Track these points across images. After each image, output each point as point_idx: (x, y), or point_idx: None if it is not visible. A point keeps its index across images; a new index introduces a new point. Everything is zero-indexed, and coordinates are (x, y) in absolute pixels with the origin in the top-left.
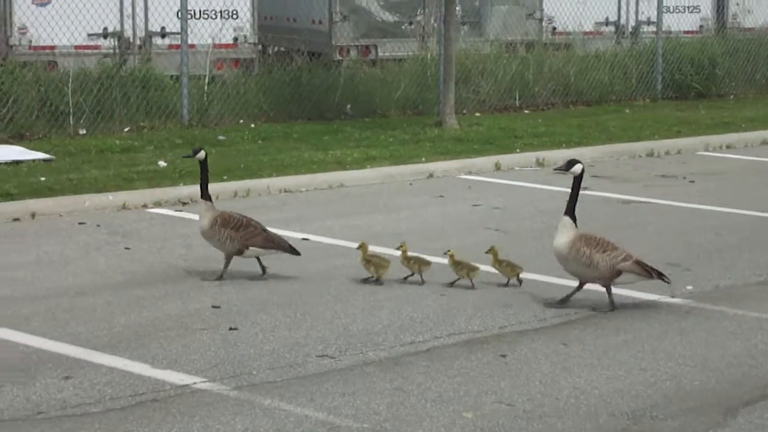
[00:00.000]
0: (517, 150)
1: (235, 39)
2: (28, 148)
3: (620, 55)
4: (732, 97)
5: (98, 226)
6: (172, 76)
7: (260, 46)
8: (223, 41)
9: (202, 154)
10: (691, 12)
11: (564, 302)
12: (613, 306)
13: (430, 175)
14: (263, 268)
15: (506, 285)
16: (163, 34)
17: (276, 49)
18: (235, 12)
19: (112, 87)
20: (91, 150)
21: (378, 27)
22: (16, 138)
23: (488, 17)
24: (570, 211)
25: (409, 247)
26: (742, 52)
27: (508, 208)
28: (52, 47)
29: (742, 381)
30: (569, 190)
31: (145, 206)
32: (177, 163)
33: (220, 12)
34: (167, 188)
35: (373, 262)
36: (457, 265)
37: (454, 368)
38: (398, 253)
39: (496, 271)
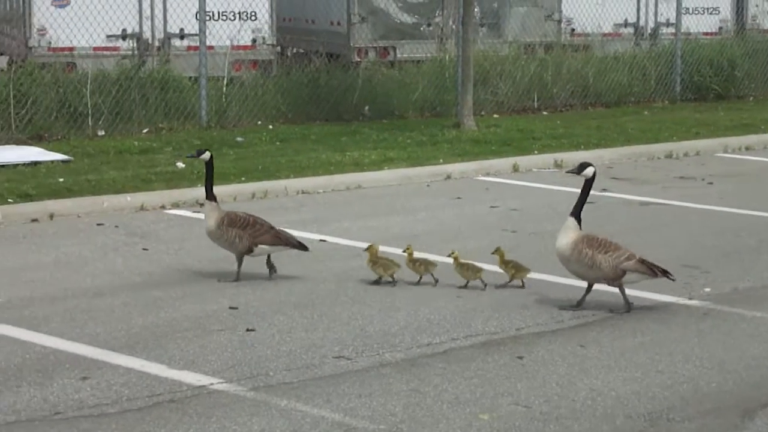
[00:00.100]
0: (535, 151)
1: (254, 40)
2: (46, 149)
3: (639, 56)
4: (751, 98)
5: (116, 227)
6: (190, 77)
7: (279, 48)
8: (242, 43)
9: (207, 155)
10: (711, 13)
11: (579, 305)
12: (629, 307)
13: (448, 177)
14: (272, 268)
15: (505, 285)
16: (182, 36)
17: (294, 50)
18: (253, 13)
19: (130, 88)
20: (109, 151)
21: (396, 28)
22: (35, 139)
23: (507, 19)
24: (576, 213)
25: (427, 248)
26: (761, 53)
27: (525, 209)
28: (71, 49)
29: (760, 383)
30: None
31: (163, 207)
32: (195, 165)
33: (239, 13)
34: (185, 189)
35: (381, 263)
36: (461, 266)
37: (470, 370)
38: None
39: (503, 272)
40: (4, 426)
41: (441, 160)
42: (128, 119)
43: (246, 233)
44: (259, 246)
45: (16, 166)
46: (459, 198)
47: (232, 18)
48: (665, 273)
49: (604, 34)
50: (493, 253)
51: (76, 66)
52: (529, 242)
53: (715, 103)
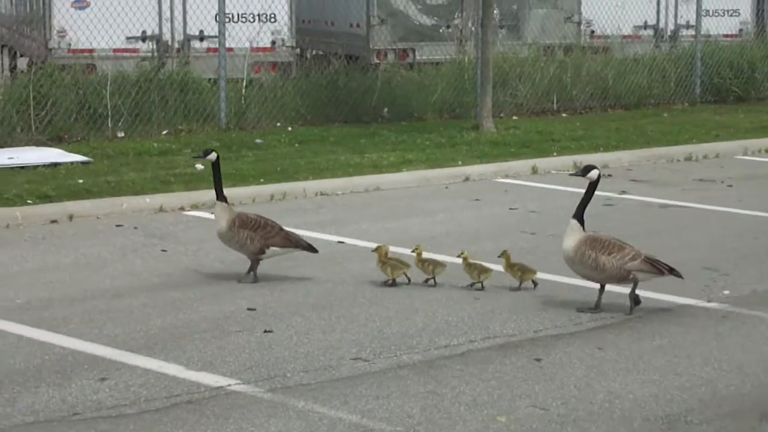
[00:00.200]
0: (555, 153)
1: (273, 42)
2: (66, 150)
3: (659, 58)
4: None
5: (135, 228)
6: (210, 79)
7: (298, 50)
8: (261, 45)
9: (213, 156)
10: (731, 15)
11: (597, 307)
12: (636, 303)
13: (467, 179)
14: (255, 276)
15: (518, 288)
16: (202, 38)
17: (314, 52)
18: (273, 15)
19: (150, 90)
20: (128, 153)
21: (416, 30)
22: (55, 140)
23: (526, 20)
24: (578, 215)
25: (445, 250)
26: None
27: (544, 211)
28: (91, 50)
29: None
30: (607, 194)
31: (182, 209)
32: None
33: (258, 15)
34: (204, 191)
35: (390, 263)
36: (470, 267)
37: (488, 372)
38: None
39: (510, 275)
40: (23, 426)
41: (460, 162)
42: (147, 121)
43: (258, 235)
44: (271, 248)
45: (36, 167)
46: (478, 200)
47: (252, 20)
48: (672, 271)
49: (624, 36)
50: (499, 257)
51: (95, 67)
52: (548, 244)
53: (735, 106)
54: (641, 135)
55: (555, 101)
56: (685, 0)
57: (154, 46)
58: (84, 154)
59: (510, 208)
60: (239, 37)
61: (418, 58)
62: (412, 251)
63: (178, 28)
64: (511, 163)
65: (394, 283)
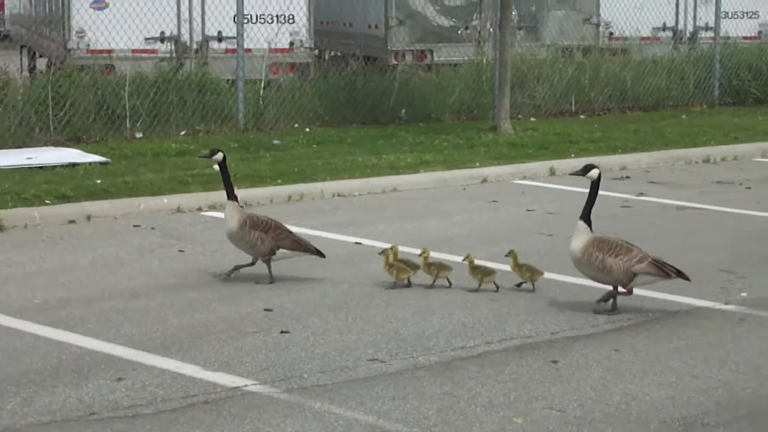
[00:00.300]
0: (572, 155)
1: (291, 43)
2: (84, 150)
3: (677, 60)
4: None
5: (153, 228)
6: (228, 80)
7: (316, 51)
8: (279, 46)
9: (219, 156)
10: (750, 17)
11: (614, 309)
12: (615, 308)
13: (484, 180)
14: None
15: (518, 286)
16: (220, 39)
17: (332, 53)
18: (291, 17)
19: (168, 91)
20: (146, 153)
21: (434, 32)
22: (73, 141)
23: (545, 22)
24: (585, 216)
25: (461, 252)
26: None
27: (562, 213)
28: (110, 51)
29: None
30: (625, 196)
31: (199, 209)
32: (232, 167)
33: (277, 16)
34: (222, 191)
35: (396, 266)
36: (474, 269)
37: (504, 373)
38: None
39: (516, 274)
40: (40, 426)
41: (477, 164)
42: (166, 121)
43: (269, 236)
44: (281, 250)
45: (54, 167)
46: (495, 201)
47: (270, 21)
48: (679, 274)
49: (643, 38)
50: (506, 256)
51: (114, 68)
52: (565, 246)
53: (754, 108)
54: (659, 137)
55: (573, 103)
56: (704, 2)
57: (173, 47)
58: (102, 155)
59: (527, 210)
60: (257, 38)
61: (436, 59)
62: (420, 254)
63: (196, 28)
64: (529, 164)
65: (409, 284)
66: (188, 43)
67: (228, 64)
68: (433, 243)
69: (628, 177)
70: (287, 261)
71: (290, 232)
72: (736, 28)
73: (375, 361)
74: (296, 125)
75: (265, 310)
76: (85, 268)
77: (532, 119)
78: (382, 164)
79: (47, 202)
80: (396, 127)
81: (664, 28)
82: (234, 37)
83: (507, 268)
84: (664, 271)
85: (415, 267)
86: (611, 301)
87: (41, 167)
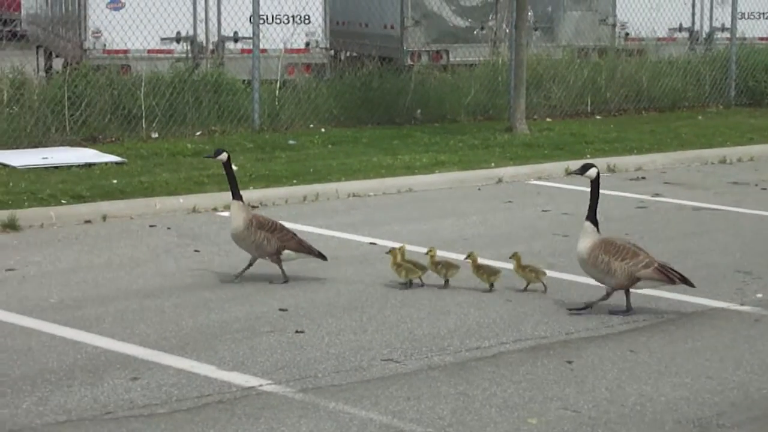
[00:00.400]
0: (588, 156)
1: (307, 44)
2: (100, 151)
3: (693, 61)
4: None
5: (168, 228)
6: (243, 80)
7: (332, 51)
8: (295, 46)
9: (224, 156)
10: (767, 18)
11: (629, 309)
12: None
13: (499, 181)
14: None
15: (525, 290)
16: (236, 39)
17: (347, 53)
18: (307, 17)
19: (184, 91)
20: (162, 153)
21: (450, 32)
22: (89, 141)
23: (560, 23)
24: (591, 217)
25: (478, 252)
26: None
27: (577, 214)
28: (126, 51)
29: None
30: (640, 197)
31: (215, 209)
32: (247, 167)
33: (292, 17)
34: None
35: (405, 266)
36: (478, 269)
37: (519, 374)
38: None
39: (520, 277)
40: (56, 425)
41: (493, 164)
42: (181, 122)
43: (274, 237)
44: (286, 251)
45: (70, 167)
46: (510, 202)
47: (286, 21)
48: (684, 280)
49: (659, 39)
50: (510, 258)
51: (130, 68)
52: None
53: None
54: (675, 137)
55: (589, 103)
56: (721, 2)
57: (189, 47)
58: (118, 155)
59: (542, 210)
60: (273, 38)
61: (451, 59)
62: (426, 253)
63: (212, 29)
64: (544, 165)
65: (410, 285)
66: (204, 44)
67: (244, 64)
68: (447, 243)
69: (643, 178)
70: (301, 262)
71: (295, 234)
72: (753, 29)
73: (390, 361)
74: (312, 126)
75: (280, 310)
76: (100, 268)
77: (548, 120)
78: (398, 164)
79: (63, 201)
80: (411, 128)
81: (681, 28)
82: (250, 38)
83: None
84: (669, 276)
85: (422, 267)
86: (627, 301)
87: (57, 167)
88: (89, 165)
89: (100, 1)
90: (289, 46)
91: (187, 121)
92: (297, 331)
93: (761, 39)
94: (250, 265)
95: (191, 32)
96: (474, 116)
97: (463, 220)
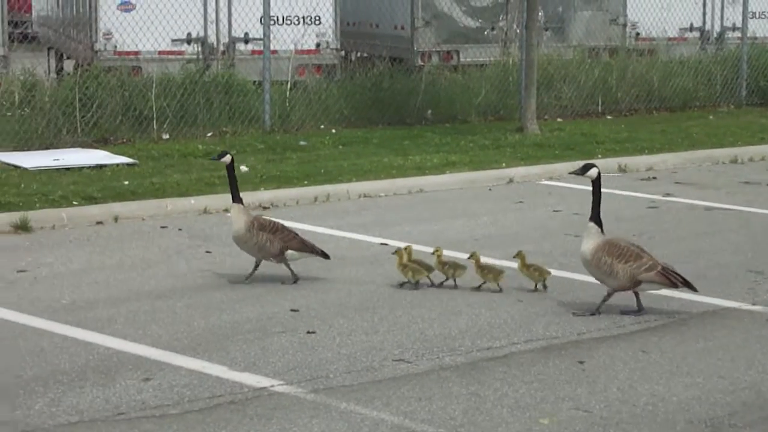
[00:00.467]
0: (599, 156)
1: (318, 45)
2: (112, 152)
3: (704, 61)
4: None
5: (180, 229)
6: (254, 81)
7: (342, 52)
8: (306, 47)
9: (227, 158)
10: None
11: (640, 309)
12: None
13: (510, 181)
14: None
15: (535, 289)
16: (246, 40)
17: (358, 54)
18: (317, 18)
19: (195, 92)
20: (174, 154)
21: (460, 32)
22: (101, 142)
23: (571, 23)
24: (595, 217)
25: (487, 252)
26: None
27: (587, 214)
28: (137, 53)
29: None
30: (651, 197)
31: (226, 210)
32: (258, 168)
33: (303, 18)
34: (248, 192)
35: (410, 267)
36: (481, 269)
37: (531, 374)
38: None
39: (525, 275)
40: (68, 426)
41: (503, 164)
42: (192, 123)
43: (276, 238)
44: (289, 251)
45: (81, 168)
46: (521, 202)
47: (297, 22)
48: (687, 284)
49: (670, 39)
50: (514, 257)
51: (141, 70)
52: None
53: None
54: (686, 137)
55: (600, 103)
56: (732, 2)
57: (200, 49)
58: (129, 156)
59: (554, 211)
60: (284, 39)
61: (462, 60)
62: (433, 253)
63: (223, 30)
64: (555, 165)
65: (416, 286)
66: (215, 45)
67: (254, 65)
68: (458, 244)
69: (654, 177)
70: (311, 263)
71: (297, 234)
72: (764, 29)
73: (401, 361)
74: (322, 126)
75: (292, 310)
76: (112, 269)
77: (559, 120)
78: (408, 165)
79: (75, 203)
80: (422, 128)
81: (691, 28)
82: (260, 39)
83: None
84: (671, 280)
85: (429, 268)
86: (637, 301)
87: (69, 168)
88: (100, 166)
89: (111, 3)
90: (299, 47)
91: (198, 123)
92: (308, 332)
93: None
94: (257, 266)
95: (202, 33)
96: (485, 116)
97: (474, 220)
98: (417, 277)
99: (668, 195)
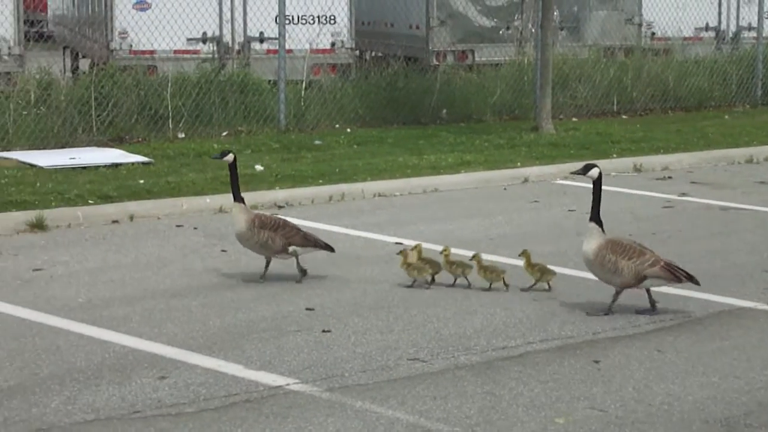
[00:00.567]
0: (614, 155)
1: (333, 44)
2: (127, 151)
3: (720, 60)
4: None
5: (195, 228)
6: (269, 80)
7: (357, 52)
8: (321, 46)
9: (230, 157)
10: None
11: (654, 309)
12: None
13: (525, 180)
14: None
15: (531, 288)
16: (262, 39)
17: (373, 54)
18: (332, 17)
19: (210, 91)
20: (189, 153)
21: (475, 32)
22: (116, 141)
23: (586, 22)
24: (595, 217)
25: (502, 252)
26: None
27: (603, 213)
28: (152, 52)
29: None
30: (667, 197)
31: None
32: (273, 167)
33: (318, 17)
34: (264, 191)
35: (414, 265)
36: (484, 270)
37: (546, 374)
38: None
39: (529, 275)
40: (84, 424)
41: (519, 164)
42: (208, 122)
43: (278, 234)
44: (291, 247)
45: (97, 167)
46: (536, 201)
47: (312, 22)
48: (690, 278)
49: (685, 38)
50: (519, 256)
51: (156, 69)
52: None
53: None
54: (702, 137)
55: (615, 103)
56: (747, 1)
57: (215, 48)
58: (145, 155)
59: (569, 210)
60: (299, 38)
61: (477, 59)
62: (441, 252)
63: (238, 29)
64: (571, 164)
65: (432, 282)
66: (230, 44)
67: (269, 64)
68: (473, 243)
69: (670, 177)
70: (328, 261)
71: (299, 229)
72: None
73: (416, 360)
74: (337, 126)
75: (307, 309)
76: (128, 268)
77: (574, 119)
78: (423, 164)
79: (90, 201)
80: (437, 128)
81: (707, 28)
82: (275, 38)
83: (552, 268)
84: (675, 274)
85: (436, 267)
86: (650, 299)
87: (84, 167)
88: (116, 165)
89: (127, 2)
90: (314, 47)
91: (213, 122)
92: (324, 331)
93: None
94: (268, 264)
95: (217, 33)
96: (500, 116)
97: (489, 219)
98: (422, 275)
99: (684, 195)
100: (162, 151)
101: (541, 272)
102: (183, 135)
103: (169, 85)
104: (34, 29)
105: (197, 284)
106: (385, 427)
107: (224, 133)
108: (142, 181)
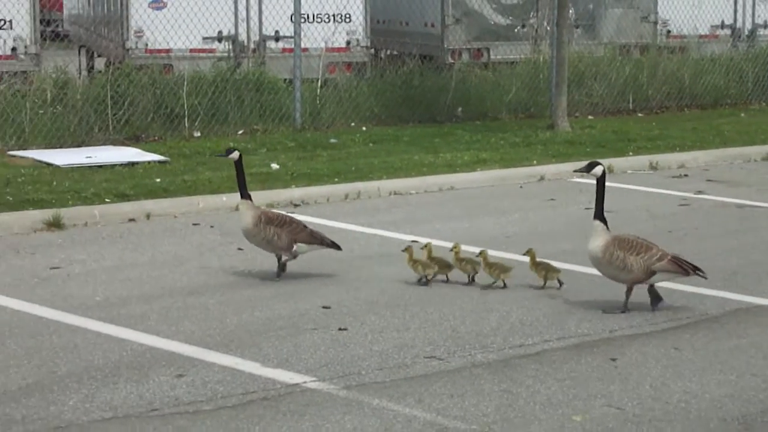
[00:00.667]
0: (630, 153)
1: (348, 43)
2: (143, 149)
3: (736, 58)
4: None
5: (212, 227)
6: (285, 79)
7: (372, 50)
8: (336, 45)
9: (235, 155)
10: None
11: (655, 305)
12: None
13: (541, 178)
14: (282, 267)
15: (542, 287)
16: (277, 38)
17: (388, 52)
18: (348, 16)
19: (226, 90)
20: (205, 152)
21: (490, 30)
22: (132, 140)
23: (602, 20)
24: (599, 215)
25: (519, 250)
26: None
27: (620, 211)
28: (168, 50)
29: None
30: (683, 194)
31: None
32: (289, 166)
33: (333, 16)
34: (279, 190)
35: (420, 262)
36: (489, 266)
37: (563, 371)
38: (527, 258)
39: (534, 274)
40: (101, 422)
41: (534, 162)
42: (224, 121)
43: (284, 231)
44: (297, 244)
45: (113, 166)
46: (552, 199)
47: (327, 20)
48: (696, 270)
49: (701, 36)
50: (524, 254)
51: (172, 67)
52: None
53: None
54: (718, 135)
55: (631, 101)
56: None
57: (230, 47)
58: (161, 154)
59: (585, 208)
60: (314, 37)
61: (492, 57)
62: (451, 250)
63: (253, 28)
64: (586, 162)
65: (427, 281)
66: (246, 43)
67: (285, 63)
68: (490, 241)
69: (686, 175)
70: (344, 259)
71: (305, 227)
72: None
73: (433, 358)
74: (353, 124)
75: (323, 307)
76: (144, 266)
77: (590, 117)
78: (439, 162)
79: (107, 200)
80: (453, 126)
81: (723, 25)
82: (291, 37)
83: (568, 266)
84: (683, 267)
85: (445, 265)
86: (652, 297)
87: (101, 166)
88: (132, 164)
89: (143, 1)
90: (330, 45)
91: (229, 120)
92: (340, 329)
93: None
94: (279, 260)
95: (233, 31)
96: (515, 114)
97: (505, 217)
98: (427, 272)
99: (700, 192)
100: (178, 150)
101: (545, 270)
102: (199, 134)
103: (185, 83)
104: (49, 28)
105: (214, 282)
106: (402, 425)
107: (240, 132)
108: (158, 180)
